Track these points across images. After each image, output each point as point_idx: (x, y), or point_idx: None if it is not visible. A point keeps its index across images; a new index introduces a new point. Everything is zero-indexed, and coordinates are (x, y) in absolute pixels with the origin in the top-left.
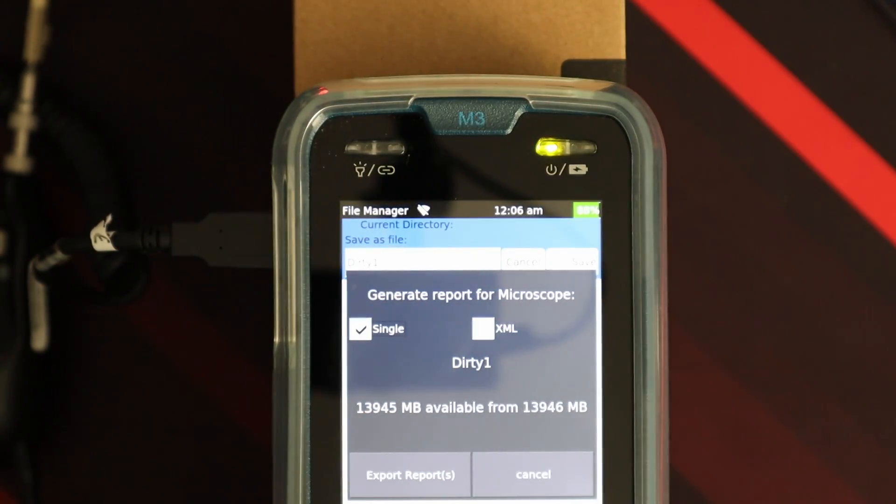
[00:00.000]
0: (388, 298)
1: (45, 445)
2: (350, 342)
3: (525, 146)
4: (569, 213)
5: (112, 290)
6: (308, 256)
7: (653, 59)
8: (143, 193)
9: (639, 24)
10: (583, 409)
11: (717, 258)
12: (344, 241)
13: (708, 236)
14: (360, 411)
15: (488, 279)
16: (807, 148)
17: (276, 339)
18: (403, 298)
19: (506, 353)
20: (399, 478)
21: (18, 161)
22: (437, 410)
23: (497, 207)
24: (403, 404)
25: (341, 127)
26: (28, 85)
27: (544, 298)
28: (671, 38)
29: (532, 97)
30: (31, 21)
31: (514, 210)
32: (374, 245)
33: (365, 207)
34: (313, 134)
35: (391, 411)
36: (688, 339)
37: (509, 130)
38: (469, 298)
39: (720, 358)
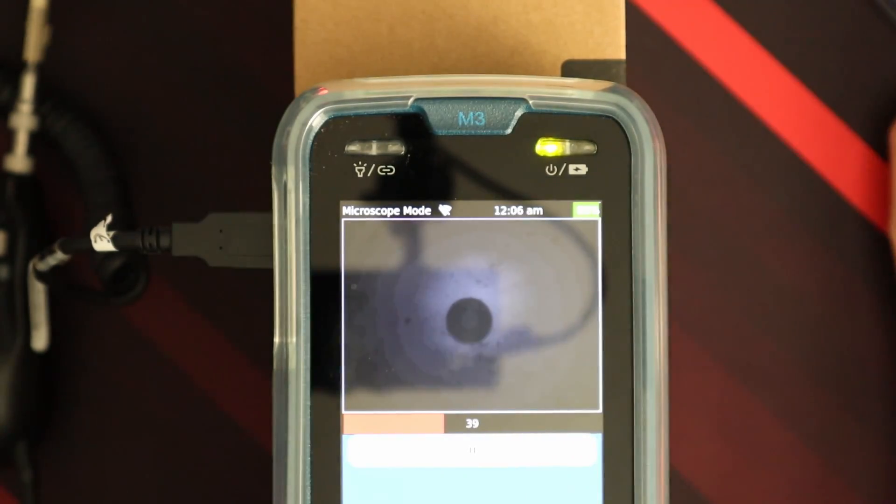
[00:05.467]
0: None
1: (45, 445)
2: (350, 341)
3: (525, 146)
4: (569, 214)
5: (112, 290)
6: (308, 256)
7: (653, 59)
8: (143, 193)
9: (639, 24)
10: (583, 408)
11: (717, 258)
12: (344, 241)
13: (708, 236)
14: (360, 411)
15: (488, 278)
16: (807, 148)
17: (276, 339)
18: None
19: (505, 354)
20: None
21: (18, 161)
22: (437, 409)
23: (497, 207)
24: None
25: (341, 127)
26: (28, 85)
27: (544, 298)
28: (671, 38)
29: (532, 97)
30: (31, 21)
31: (513, 210)
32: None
33: (365, 207)
34: (313, 134)
35: (391, 411)
36: (688, 339)
37: (509, 130)
38: (469, 297)
39: (720, 358)
